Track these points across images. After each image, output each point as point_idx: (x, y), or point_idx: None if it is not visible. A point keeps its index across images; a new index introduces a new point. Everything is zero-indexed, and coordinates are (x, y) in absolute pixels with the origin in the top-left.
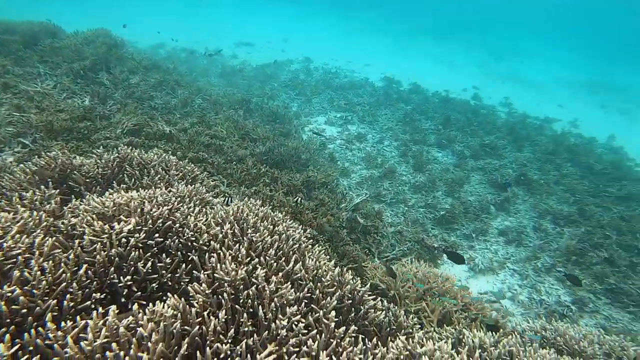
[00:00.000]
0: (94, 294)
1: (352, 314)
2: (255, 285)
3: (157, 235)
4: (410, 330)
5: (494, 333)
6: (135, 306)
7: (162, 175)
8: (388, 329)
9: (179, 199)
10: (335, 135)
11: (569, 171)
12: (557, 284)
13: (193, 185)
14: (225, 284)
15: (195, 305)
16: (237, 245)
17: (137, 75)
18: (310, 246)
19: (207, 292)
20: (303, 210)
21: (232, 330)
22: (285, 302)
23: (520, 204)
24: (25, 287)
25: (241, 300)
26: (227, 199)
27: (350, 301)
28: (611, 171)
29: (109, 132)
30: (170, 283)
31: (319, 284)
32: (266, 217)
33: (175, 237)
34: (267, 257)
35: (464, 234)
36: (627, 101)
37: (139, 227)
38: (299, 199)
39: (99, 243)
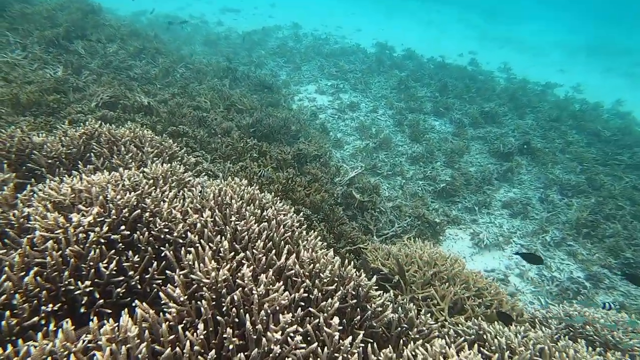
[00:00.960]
0: (43, 307)
1: (358, 316)
2: (240, 288)
3: (123, 227)
4: (424, 329)
5: (518, 326)
6: (95, 321)
7: (134, 154)
8: (398, 328)
9: (151, 181)
10: (327, 105)
11: (574, 139)
12: (568, 259)
13: (169, 164)
14: (205, 288)
15: (169, 316)
16: (219, 236)
17: (115, 43)
18: (304, 233)
19: (182, 298)
20: (295, 187)
21: (214, 351)
22: (277, 307)
23: (524, 174)
24: None
25: (224, 308)
26: (209, 178)
27: (354, 300)
28: (620, 137)
29: (82, 106)
30: (139, 286)
31: (317, 280)
32: (253, 199)
33: (144, 229)
34: (254, 251)
35: (465, 207)
36: (632, 65)
37: (101, 219)
38: (291, 175)
39: (52, 240)
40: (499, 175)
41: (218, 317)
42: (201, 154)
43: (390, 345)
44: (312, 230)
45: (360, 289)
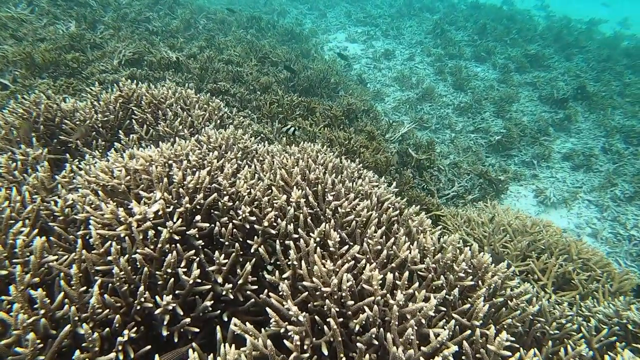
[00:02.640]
0: (119, 337)
1: (505, 318)
2: (370, 296)
3: (197, 218)
4: (562, 321)
5: None
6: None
7: (183, 118)
8: (538, 324)
9: (215, 153)
10: (360, 54)
11: (632, 80)
12: None
13: (229, 130)
14: (324, 298)
15: (288, 343)
16: (324, 224)
17: None
18: (409, 210)
19: (300, 317)
20: (357, 149)
21: None
22: (422, 320)
23: (582, 122)
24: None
25: (355, 327)
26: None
27: (495, 298)
28: None
29: (105, 64)
30: (231, 296)
31: (451, 275)
32: (337, 169)
33: (225, 218)
34: (369, 241)
35: (523, 160)
36: None
37: (170, 208)
38: (351, 134)
39: (114, 240)
40: (554, 124)
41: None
42: (247, 114)
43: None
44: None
45: (497, 280)
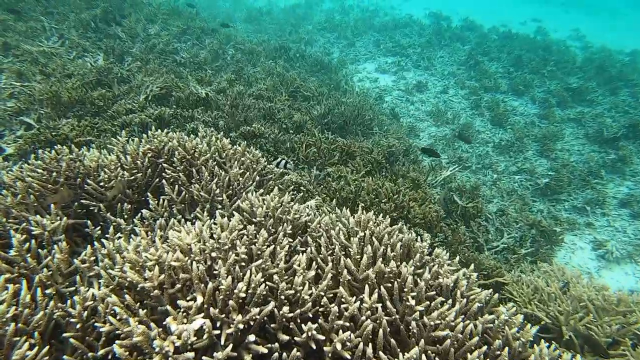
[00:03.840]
0: None
1: None
2: None
3: (251, 338)
4: None
5: None
6: None
7: (220, 178)
8: None
9: (265, 233)
10: (391, 85)
11: None
12: None
13: (277, 198)
14: None
15: None
16: (415, 349)
17: (157, 23)
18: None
19: None
20: (407, 204)
21: None
22: None
23: (638, 164)
24: None
25: None
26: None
27: None
28: None
29: (131, 101)
30: None
31: None
32: (405, 247)
33: (285, 335)
34: None
35: (574, 206)
36: None
37: (214, 328)
38: (402, 187)
39: None
40: (606, 165)
41: None
42: (283, 159)
43: None
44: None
45: None
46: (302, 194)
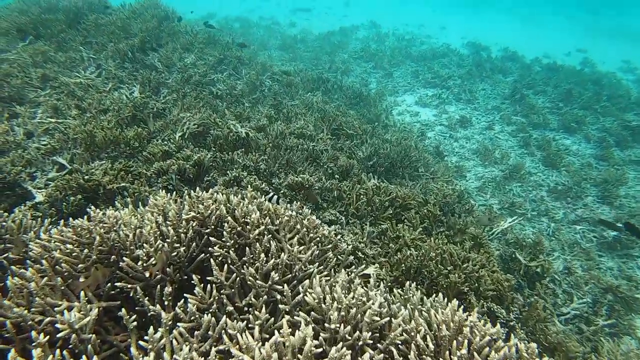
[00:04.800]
0: None
1: None
2: None
3: None
4: None
5: None
6: None
7: (274, 255)
8: None
9: (343, 348)
10: (433, 120)
11: None
12: None
13: (351, 292)
14: None
15: None
16: None
17: (193, 52)
18: None
19: None
20: (476, 272)
21: None
22: None
23: None
24: None
25: None
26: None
27: None
28: None
29: (167, 140)
30: None
31: None
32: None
33: None
34: None
35: None
36: None
37: None
38: (474, 257)
39: None
40: None
41: None
42: (335, 215)
43: None
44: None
45: None
46: (354, 258)
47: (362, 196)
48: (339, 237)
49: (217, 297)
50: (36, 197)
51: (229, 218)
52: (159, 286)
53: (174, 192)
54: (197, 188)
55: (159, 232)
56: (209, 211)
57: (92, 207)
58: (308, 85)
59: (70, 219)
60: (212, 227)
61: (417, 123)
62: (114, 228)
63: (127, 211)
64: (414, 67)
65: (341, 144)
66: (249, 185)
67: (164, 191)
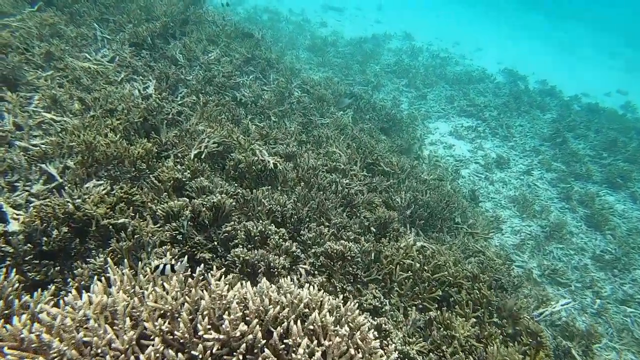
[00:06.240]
0: None
1: None
2: None
3: None
4: None
5: None
6: None
7: None
8: None
9: None
10: (468, 156)
11: None
12: None
13: None
14: None
15: None
16: None
17: (219, 46)
18: None
19: None
20: None
21: None
22: None
23: None
24: None
25: None
26: None
27: None
28: None
29: (179, 163)
30: None
31: None
32: None
33: None
34: None
35: None
36: None
37: None
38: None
39: None
40: None
41: None
42: (379, 300)
43: None
44: None
45: None
46: None
47: (406, 272)
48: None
49: None
50: (10, 224)
51: (262, 317)
52: None
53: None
54: (214, 270)
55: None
56: (237, 332)
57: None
58: (339, 101)
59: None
60: (234, 322)
61: (450, 157)
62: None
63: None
64: (448, 90)
65: (376, 183)
66: (278, 249)
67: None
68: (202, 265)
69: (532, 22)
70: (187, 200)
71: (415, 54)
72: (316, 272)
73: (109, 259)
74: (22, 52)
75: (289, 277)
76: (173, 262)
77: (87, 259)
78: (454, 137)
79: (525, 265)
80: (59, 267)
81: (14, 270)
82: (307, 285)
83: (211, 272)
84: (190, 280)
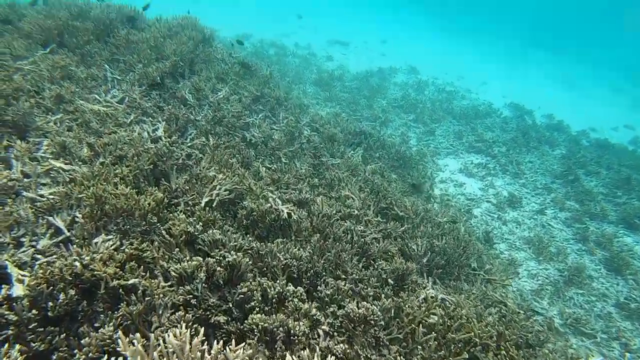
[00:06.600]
0: None
1: None
2: None
3: None
4: None
5: None
6: None
7: None
8: None
9: None
10: (479, 195)
11: None
12: None
13: None
14: None
15: None
16: None
17: (227, 84)
18: None
19: None
20: None
21: None
22: None
23: None
24: None
25: None
26: None
27: None
28: None
29: (190, 211)
30: None
31: None
32: None
33: None
34: None
35: None
36: None
37: None
38: None
39: None
40: None
41: None
42: None
43: None
44: None
45: None
46: None
47: (428, 325)
48: None
49: None
50: (14, 287)
51: None
52: None
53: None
54: (232, 343)
55: None
56: None
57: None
58: (349, 140)
59: None
60: None
61: (462, 195)
62: None
63: None
64: (456, 125)
65: (391, 228)
66: (297, 312)
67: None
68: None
69: (533, 57)
70: (201, 259)
71: (421, 87)
72: (335, 333)
73: (119, 331)
74: (33, 95)
75: (309, 344)
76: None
77: (94, 324)
78: (464, 174)
79: (545, 312)
80: (64, 334)
81: (16, 341)
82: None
83: (229, 346)
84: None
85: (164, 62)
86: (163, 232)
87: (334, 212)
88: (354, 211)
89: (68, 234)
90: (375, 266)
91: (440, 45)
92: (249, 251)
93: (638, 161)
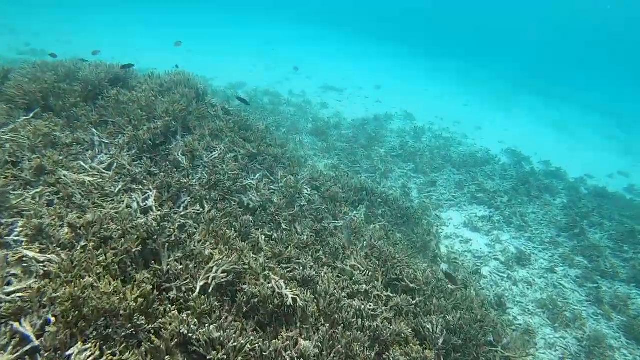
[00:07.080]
0: None
1: None
2: None
3: None
4: None
5: None
6: None
7: None
8: None
9: None
10: (486, 251)
11: None
12: None
13: None
14: None
15: None
16: None
17: (223, 142)
18: None
19: None
20: None
21: None
22: None
23: None
24: None
25: None
26: None
27: None
28: None
29: (184, 304)
30: None
31: None
32: None
33: None
34: None
35: None
36: None
37: None
38: None
39: None
40: None
41: None
42: None
43: None
44: None
45: None
46: None
47: None
48: None
49: None
50: None
51: None
52: None
53: None
54: None
55: None
56: None
57: None
58: (350, 197)
59: None
60: None
61: (468, 253)
62: None
63: None
64: (456, 174)
65: (402, 303)
66: None
67: None
68: None
69: (524, 102)
70: None
71: (418, 134)
72: None
73: None
74: (10, 168)
75: None
76: None
77: None
78: (469, 229)
79: None
80: None
81: None
82: None
83: None
84: None
85: (155, 122)
86: (152, 336)
87: (341, 290)
88: (362, 287)
89: (37, 343)
90: (389, 353)
91: (432, 87)
92: (251, 352)
93: (636, 211)
